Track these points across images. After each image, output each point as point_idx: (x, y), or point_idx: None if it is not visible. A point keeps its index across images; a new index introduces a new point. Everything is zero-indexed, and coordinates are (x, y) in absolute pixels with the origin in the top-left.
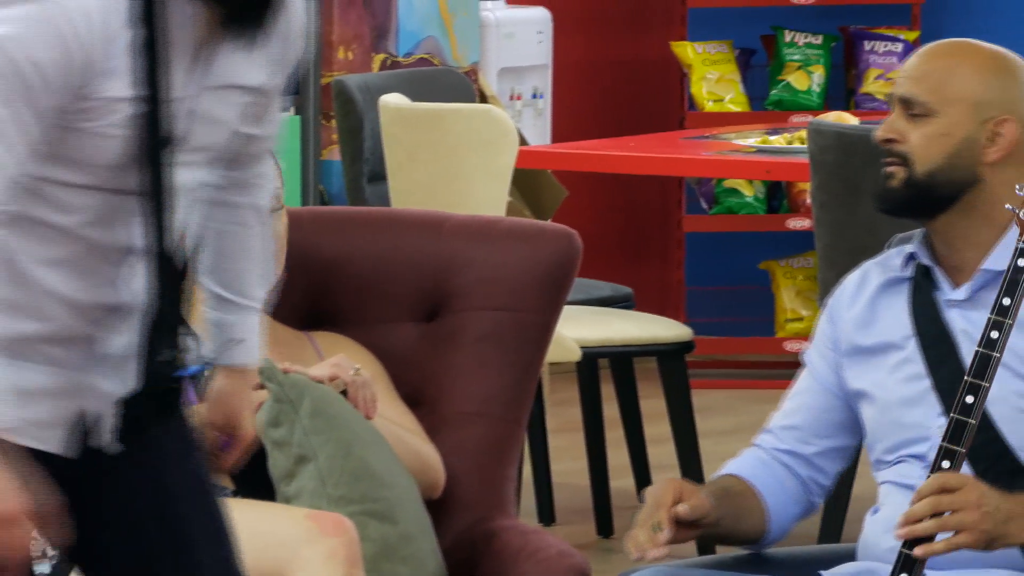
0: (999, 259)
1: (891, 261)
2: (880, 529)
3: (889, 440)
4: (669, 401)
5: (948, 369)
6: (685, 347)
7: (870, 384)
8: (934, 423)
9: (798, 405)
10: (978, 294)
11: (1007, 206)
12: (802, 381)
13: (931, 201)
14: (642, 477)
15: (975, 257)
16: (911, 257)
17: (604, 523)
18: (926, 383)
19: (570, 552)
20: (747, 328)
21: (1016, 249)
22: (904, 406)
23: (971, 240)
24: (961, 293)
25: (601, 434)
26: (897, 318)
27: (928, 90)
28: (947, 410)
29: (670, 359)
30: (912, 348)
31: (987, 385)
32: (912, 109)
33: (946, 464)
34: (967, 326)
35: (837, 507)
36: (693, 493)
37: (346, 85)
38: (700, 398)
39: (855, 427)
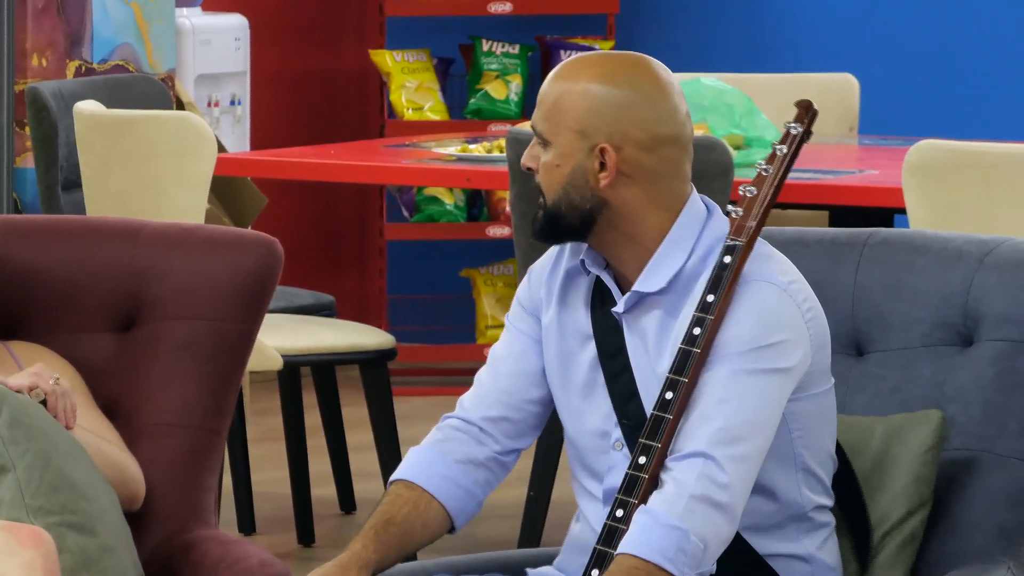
0: (647, 281)
1: (581, 246)
2: (574, 543)
3: (572, 435)
4: (371, 409)
5: (624, 381)
6: (387, 355)
7: (554, 373)
8: (612, 433)
9: (495, 371)
10: (632, 311)
11: (729, 207)
12: (501, 346)
13: (568, 228)
14: (344, 485)
15: (631, 273)
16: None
17: (305, 532)
18: (604, 391)
19: (271, 561)
20: (449, 335)
21: (724, 247)
22: (585, 413)
23: (623, 258)
24: (620, 306)
25: (303, 443)
26: (579, 318)
27: (542, 118)
28: (620, 419)
29: (372, 367)
30: (592, 355)
31: (685, 380)
32: (537, 137)
33: (643, 460)
34: (631, 337)
35: (536, 512)
36: None
37: (40, 92)
38: (403, 405)
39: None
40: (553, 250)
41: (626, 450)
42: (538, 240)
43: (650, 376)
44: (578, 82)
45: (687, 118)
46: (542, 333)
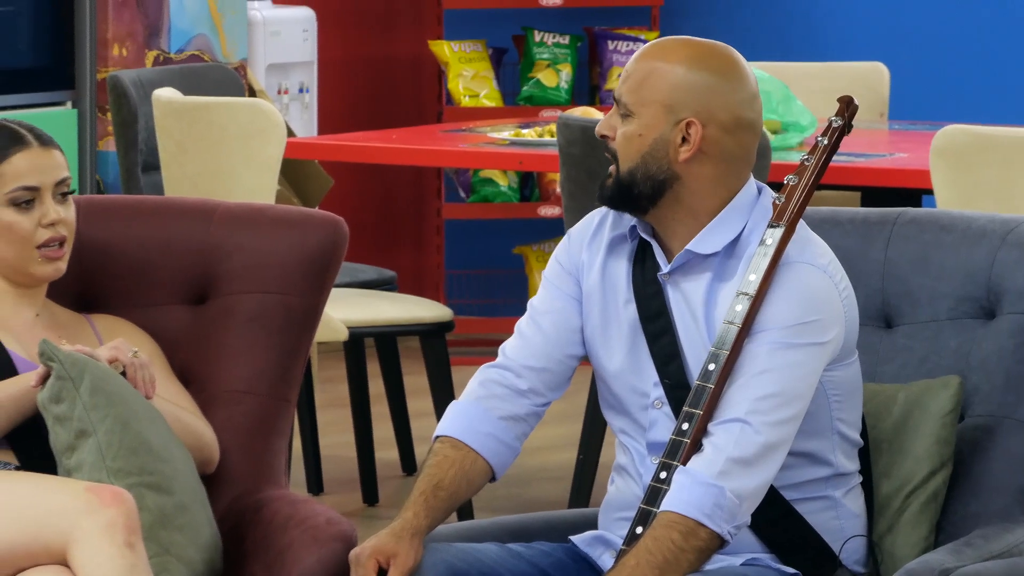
0: (703, 243)
1: (626, 216)
2: (611, 503)
3: (612, 394)
4: (431, 377)
5: (664, 343)
6: (445, 327)
7: (596, 335)
8: (652, 392)
9: (537, 324)
10: (678, 275)
11: (772, 195)
12: (540, 301)
13: (635, 198)
14: (406, 448)
15: (679, 241)
16: (635, 228)
17: (370, 492)
18: (645, 353)
19: (338, 519)
20: (503, 309)
21: (767, 229)
22: (626, 373)
23: (679, 232)
24: (668, 267)
25: (367, 409)
26: (620, 281)
27: (629, 90)
28: (662, 379)
29: (431, 338)
30: (632, 317)
31: (727, 353)
32: (620, 108)
33: (685, 426)
34: (675, 300)
35: (585, 474)
36: (395, 553)
37: (120, 80)
38: (460, 374)
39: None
40: (594, 217)
41: (666, 408)
42: (605, 205)
43: (696, 336)
44: (669, 61)
45: (761, 108)
46: (583, 296)
